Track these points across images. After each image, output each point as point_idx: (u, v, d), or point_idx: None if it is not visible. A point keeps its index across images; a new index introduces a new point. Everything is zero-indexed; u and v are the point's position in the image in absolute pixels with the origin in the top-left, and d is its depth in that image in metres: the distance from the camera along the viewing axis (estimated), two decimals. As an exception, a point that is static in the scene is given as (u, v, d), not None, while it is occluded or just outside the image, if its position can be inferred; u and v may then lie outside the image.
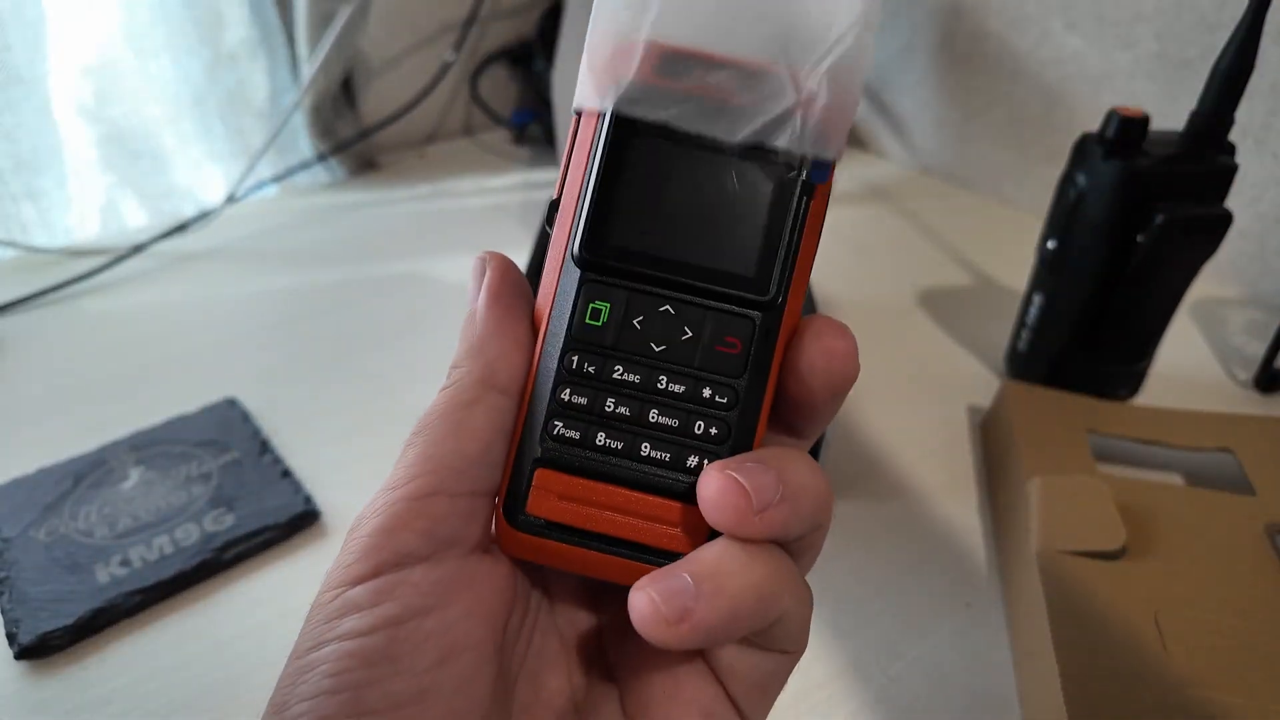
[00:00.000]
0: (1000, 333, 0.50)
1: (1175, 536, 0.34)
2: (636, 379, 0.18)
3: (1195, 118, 0.38)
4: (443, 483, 0.17)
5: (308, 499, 0.39)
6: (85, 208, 0.69)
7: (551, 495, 0.18)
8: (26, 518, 0.38)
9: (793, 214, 0.18)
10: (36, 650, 0.32)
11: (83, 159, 0.68)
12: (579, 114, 0.19)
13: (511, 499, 0.18)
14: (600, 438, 0.18)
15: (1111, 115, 0.39)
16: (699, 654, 0.18)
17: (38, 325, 0.57)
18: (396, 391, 0.49)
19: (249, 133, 0.76)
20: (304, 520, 0.38)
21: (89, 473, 0.41)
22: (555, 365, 0.18)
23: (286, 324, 0.57)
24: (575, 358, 0.18)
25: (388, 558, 0.17)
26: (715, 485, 0.16)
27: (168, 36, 0.68)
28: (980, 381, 0.49)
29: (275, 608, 0.35)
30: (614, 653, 0.20)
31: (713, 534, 0.17)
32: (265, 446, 0.43)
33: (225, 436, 0.44)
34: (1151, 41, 0.57)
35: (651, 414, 0.18)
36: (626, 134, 0.18)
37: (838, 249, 0.65)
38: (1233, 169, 0.39)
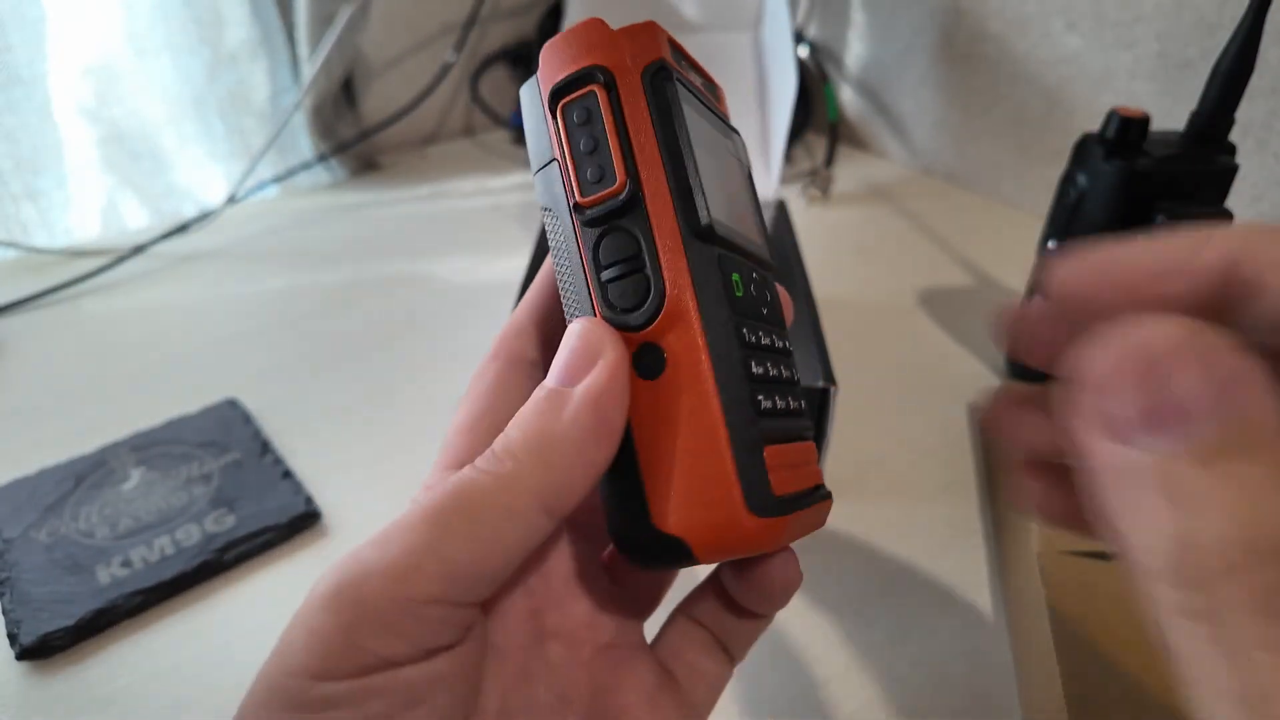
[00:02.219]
0: (1001, 333, 0.50)
1: (1176, 537, 0.34)
2: (775, 342, 0.19)
3: (1196, 118, 0.38)
4: (450, 592, 0.15)
5: (308, 500, 0.39)
6: (86, 208, 0.69)
7: (782, 470, 0.17)
8: (28, 518, 0.38)
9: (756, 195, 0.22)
10: (38, 651, 0.32)
11: (83, 159, 0.68)
12: (607, 88, 0.17)
13: (755, 493, 0.16)
14: (781, 401, 0.18)
15: (1112, 115, 0.39)
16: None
17: (38, 326, 0.57)
18: (397, 392, 0.49)
19: (249, 133, 0.76)
20: (305, 521, 0.38)
21: (90, 473, 0.41)
22: (734, 343, 0.17)
23: (287, 325, 0.57)
24: (745, 330, 0.17)
25: (371, 661, 0.15)
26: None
27: (168, 37, 0.69)
28: (980, 381, 0.49)
29: (276, 608, 0.35)
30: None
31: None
32: (266, 447, 0.43)
33: (226, 437, 0.44)
34: (1152, 42, 0.57)
35: (782, 369, 0.19)
36: (679, 110, 0.17)
37: (839, 249, 0.65)
38: (1233, 169, 0.39)
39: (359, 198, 0.78)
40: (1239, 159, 0.39)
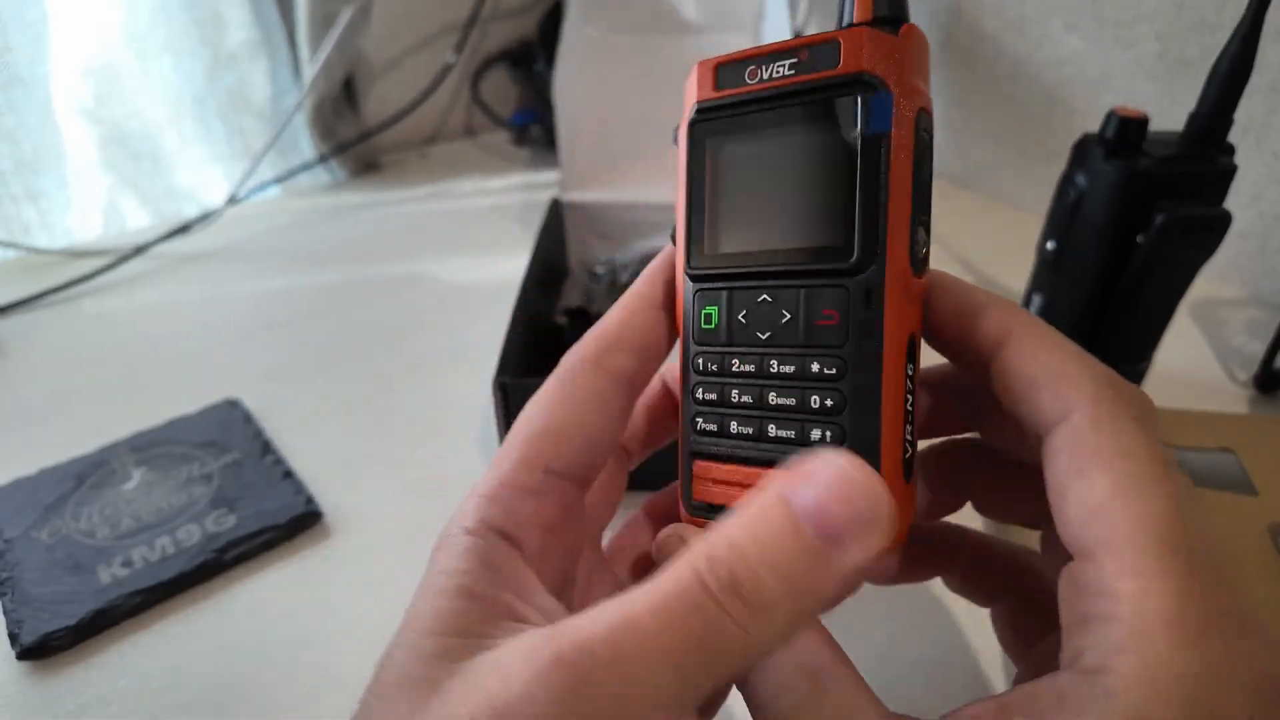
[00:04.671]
0: (1000, 333, 0.50)
1: (1176, 536, 0.34)
2: (751, 368, 0.19)
3: (1195, 118, 0.38)
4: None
5: (309, 500, 0.39)
6: (87, 209, 0.70)
7: (706, 481, 0.20)
8: (29, 518, 0.38)
9: (861, 172, 0.17)
10: (39, 650, 0.32)
11: (84, 160, 0.68)
12: (676, 144, 0.21)
13: (685, 488, 0.20)
14: (733, 426, 0.19)
15: (1111, 115, 0.39)
16: None
17: (39, 326, 0.57)
18: (398, 392, 0.49)
19: (250, 134, 0.76)
20: (305, 521, 0.38)
21: (91, 473, 0.41)
22: (689, 368, 0.20)
23: (288, 325, 0.57)
24: (700, 359, 0.20)
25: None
26: None
27: (169, 38, 0.69)
28: (981, 382, 0.49)
29: (276, 608, 0.35)
30: None
31: None
32: (266, 447, 0.43)
33: (226, 437, 0.44)
34: (1151, 42, 0.57)
35: (770, 397, 0.19)
36: (700, 151, 0.20)
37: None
38: (1232, 169, 0.39)
39: (359, 198, 0.78)
40: (1238, 159, 0.39)
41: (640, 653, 0.14)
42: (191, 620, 0.34)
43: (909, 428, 0.19)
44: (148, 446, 0.43)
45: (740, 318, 0.19)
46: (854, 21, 0.19)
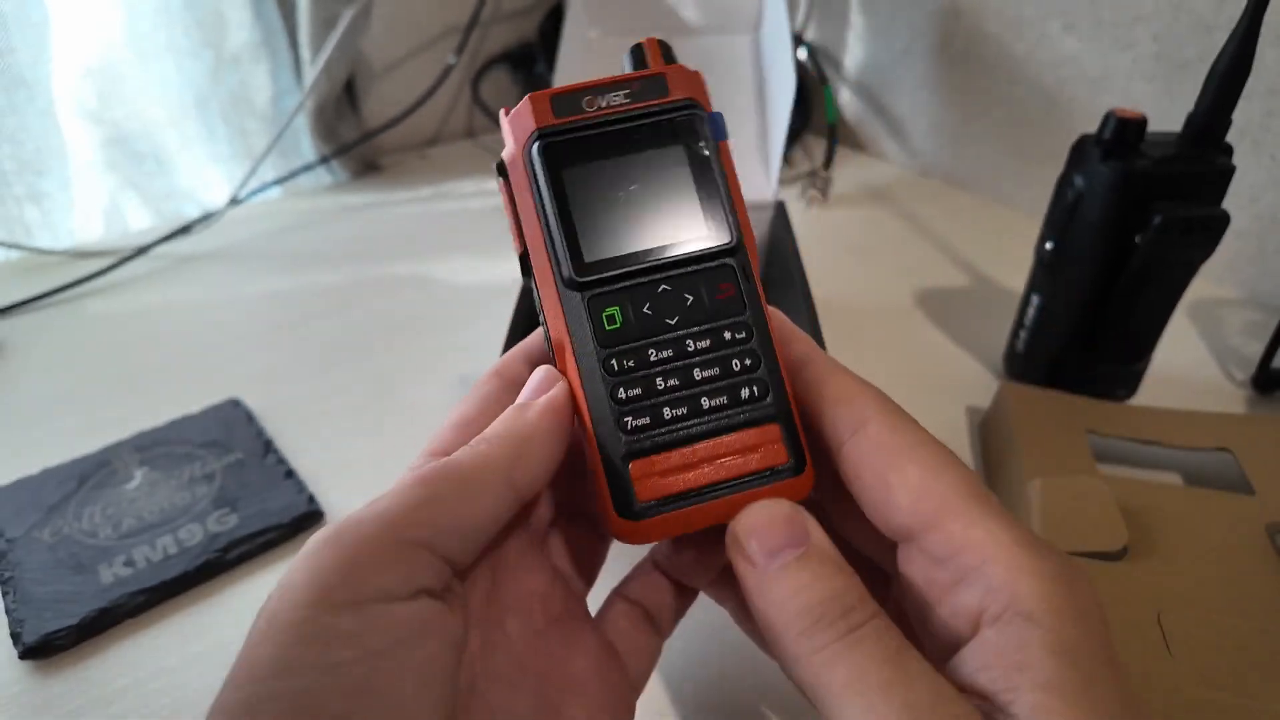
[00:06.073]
0: (998, 333, 0.50)
1: (1176, 537, 0.34)
2: (670, 353, 0.20)
3: (1193, 119, 0.38)
4: (434, 540, 0.18)
5: (311, 499, 0.39)
6: (89, 210, 0.70)
7: (653, 478, 0.20)
8: (31, 518, 0.38)
9: (716, 172, 0.21)
10: (41, 650, 0.32)
11: (86, 161, 0.68)
12: (504, 175, 0.22)
13: (621, 501, 0.20)
14: (666, 412, 0.20)
15: (1109, 116, 0.39)
16: None
17: (42, 327, 0.57)
18: (399, 392, 0.49)
19: (252, 135, 0.76)
20: (307, 520, 0.39)
21: (93, 473, 0.41)
22: (599, 375, 0.20)
23: (289, 325, 0.57)
24: (614, 360, 0.20)
25: (370, 593, 0.16)
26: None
27: (171, 39, 0.69)
28: (979, 382, 0.49)
29: (278, 607, 0.35)
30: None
31: (789, 436, 0.20)
32: (268, 447, 0.43)
33: (229, 437, 0.44)
34: (1149, 43, 0.58)
35: (696, 373, 0.20)
36: (554, 171, 0.21)
37: (837, 250, 0.65)
38: (1230, 170, 0.39)
39: (361, 199, 0.78)
40: (1236, 160, 0.39)
41: (400, 509, 0.18)
42: (194, 620, 0.35)
43: None
44: (150, 446, 0.43)
45: (645, 309, 0.21)
46: (650, 67, 0.22)
